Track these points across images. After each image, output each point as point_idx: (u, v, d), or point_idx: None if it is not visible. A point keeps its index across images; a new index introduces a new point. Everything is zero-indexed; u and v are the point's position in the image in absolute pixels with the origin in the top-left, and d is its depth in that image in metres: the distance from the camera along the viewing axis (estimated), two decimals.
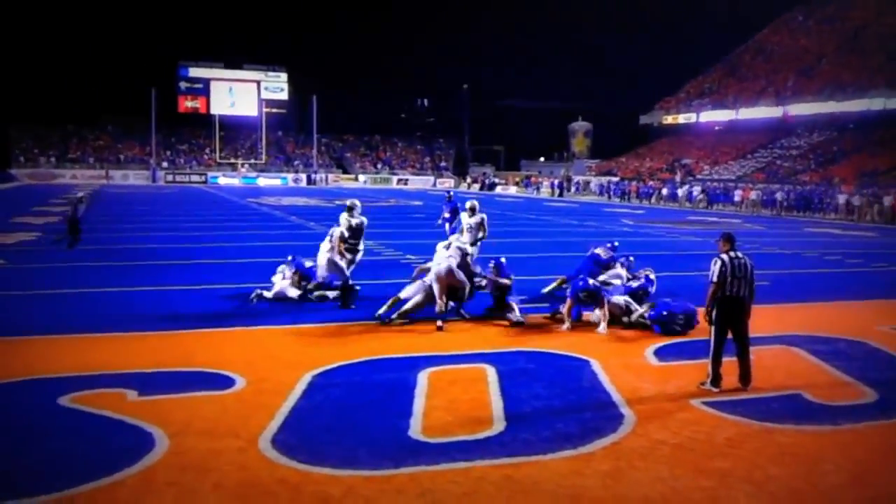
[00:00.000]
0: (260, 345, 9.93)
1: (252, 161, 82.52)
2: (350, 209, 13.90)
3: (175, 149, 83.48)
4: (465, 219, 14.39)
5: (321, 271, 12.65)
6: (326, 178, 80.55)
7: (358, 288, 12.95)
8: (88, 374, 8.22)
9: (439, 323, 10.91)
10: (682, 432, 6.92)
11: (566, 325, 11.13)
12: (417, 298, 11.32)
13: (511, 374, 8.64)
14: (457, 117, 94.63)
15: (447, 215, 17.99)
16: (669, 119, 78.54)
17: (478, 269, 12.23)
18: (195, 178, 76.16)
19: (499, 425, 6.98)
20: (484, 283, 12.00)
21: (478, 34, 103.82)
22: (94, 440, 6.42)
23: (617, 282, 12.31)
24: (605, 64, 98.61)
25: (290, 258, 13.51)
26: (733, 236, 8.60)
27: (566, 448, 6.44)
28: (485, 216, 14.40)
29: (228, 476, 5.75)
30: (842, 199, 43.76)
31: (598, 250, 13.16)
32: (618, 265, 13.05)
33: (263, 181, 76.50)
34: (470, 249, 11.44)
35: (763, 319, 11.40)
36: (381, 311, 11.37)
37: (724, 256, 8.33)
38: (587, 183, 71.78)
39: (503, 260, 12.18)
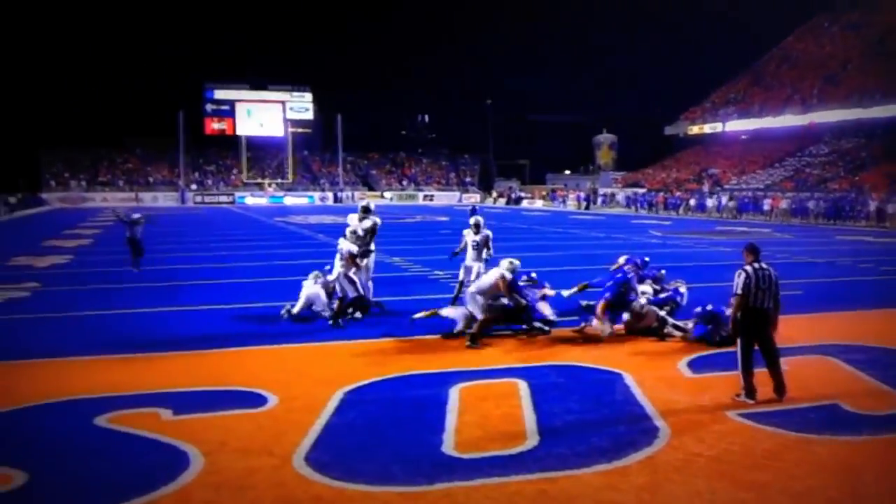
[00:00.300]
0: (291, 363, 9.97)
1: (279, 181, 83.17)
2: (365, 210, 13.88)
3: (203, 170, 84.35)
4: (470, 236, 13.96)
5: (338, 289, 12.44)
6: (353, 195, 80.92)
7: (381, 303, 13.10)
8: (123, 395, 8.30)
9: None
10: (719, 445, 6.84)
11: (606, 329, 11.10)
12: (459, 326, 11.33)
13: (543, 389, 8.60)
14: (481, 132, 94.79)
15: (488, 232, 17.91)
16: (695, 129, 78.06)
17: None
18: (223, 198, 76.88)
19: (532, 440, 6.95)
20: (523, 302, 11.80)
21: (501, 48, 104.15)
22: (131, 460, 6.47)
23: (643, 298, 12.12)
24: (629, 75, 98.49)
25: (315, 273, 13.36)
26: (757, 247, 8.54)
27: (601, 462, 6.39)
28: (490, 233, 14.17)
29: (264, 494, 5.77)
30: (872, 205, 43.22)
31: (621, 259, 12.99)
32: (646, 282, 12.85)
33: (290, 200, 77.06)
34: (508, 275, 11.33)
35: (798, 329, 11.29)
36: (418, 315, 11.78)
37: (748, 268, 8.27)
38: (613, 195, 71.49)
39: (534, 275, 12.21)
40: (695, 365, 9.72)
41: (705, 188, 62.48)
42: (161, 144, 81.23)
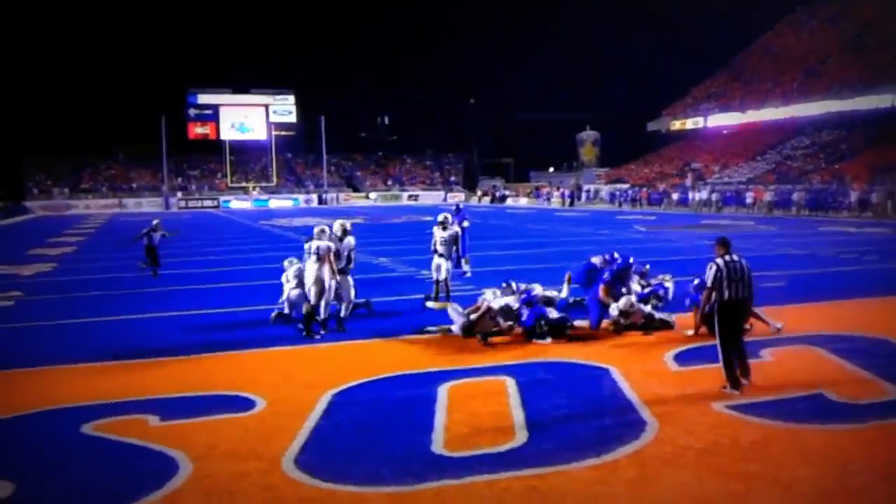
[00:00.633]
0: (278, 366, 9.94)
1: (263, 184, 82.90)
2: (344, 230, 12.48)
3: (186, 175, 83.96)
4: (438, 233, 13.98)
5: (316, 297, 11.54)
6: (337, 197, 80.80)
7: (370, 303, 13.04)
8: (109, 402, 8.25)
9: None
10: (706, 437, 6.87)
11: (614, 310, 11.25)
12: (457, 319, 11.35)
13: (531, 385, 8.61)
14: (465, 131, 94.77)
15: (458, 228, 17.92)
16: (677, 125, 78.34)
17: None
18: (208, 203, 76.50)
19: (521, 436, 6.96)
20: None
21: (484, 47, 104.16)
22: (119, 467, 6.44)
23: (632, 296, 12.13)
24: (610, 72, 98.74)
25: (290, 261, 12.74)
26: (728, 240, 8.67)
27: (590, 457, 6.41)
28: (458, 230, 14.20)
29: (253, 498, 5.76)
30: (854, 196, 43.54)
31: (595, 259, 13.09)
32: (634, 280, 12.89)
33: (275, 203, 76.78)
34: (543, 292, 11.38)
35: (782, 320, 11.35)
36: (431, 304, 12.09)
37: (720, 261, 8.39)
38: (598, 191, 71.67)
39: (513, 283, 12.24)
40: (681, 358, 9.77)
41: (688, 182, 62.75)
42: (144, 150, 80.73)
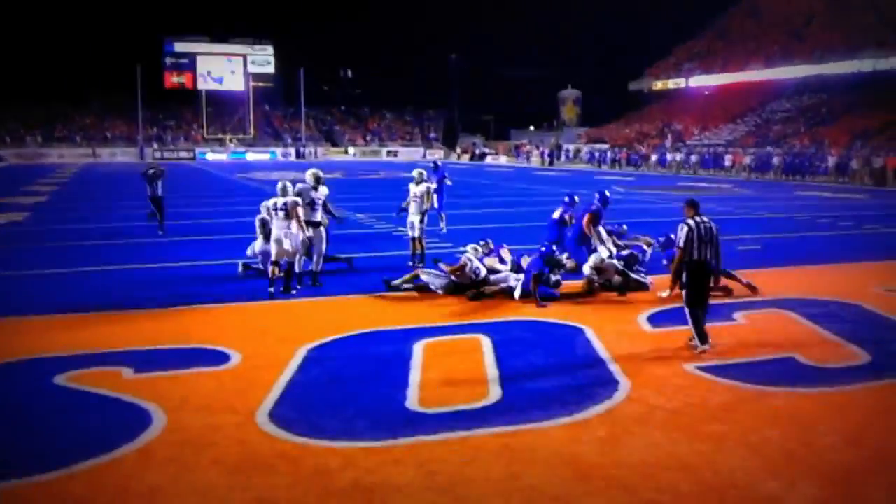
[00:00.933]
0: (254, 320, 9.92)
1: (240, 136, 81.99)
2: (318, 179, 12.20)
3: (162, 125, 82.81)
4: (412, 188, 13.96)
5: (288, 252, 11.17)
6: (316, 151, 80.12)
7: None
8: (83, 353, 8.21)
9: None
10: (677, 397, 6.96)
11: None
12: (437, 283, 11.33)
13: (506, 344, 8.66)
14: (445, 88, 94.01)
15: (434, 185, 17.82)
16: (659, 85, 78.19)
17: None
18: (183, 154, 75.58)
19: (495, 394, 7.01)
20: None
21: (466, 1, 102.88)
22: (92, 418, 6.42)
23: (605, 252, 12.13)
24: (593, 31, 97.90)
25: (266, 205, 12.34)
26: (697, 202, 8.73)
27: (562, 415, 6.47)
28: (431, 185, 14.13)
29: (227, 451, 5.77)
30: (831, 161, 43.83)
31: (555, 213, 13.18)
32: (603, 233, 12.91)
33: (252, 156, 76.04)
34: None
35: (756, 283, 11.46)
36: (396, 281, 11.49)
37: (690, 221, 8.45)
38: (578, 151, 71.62)
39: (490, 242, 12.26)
40: (655, 319, 9.85)
41: (668, 144, 62.83)
42: (119, 100, 79.42)
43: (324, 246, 12.08)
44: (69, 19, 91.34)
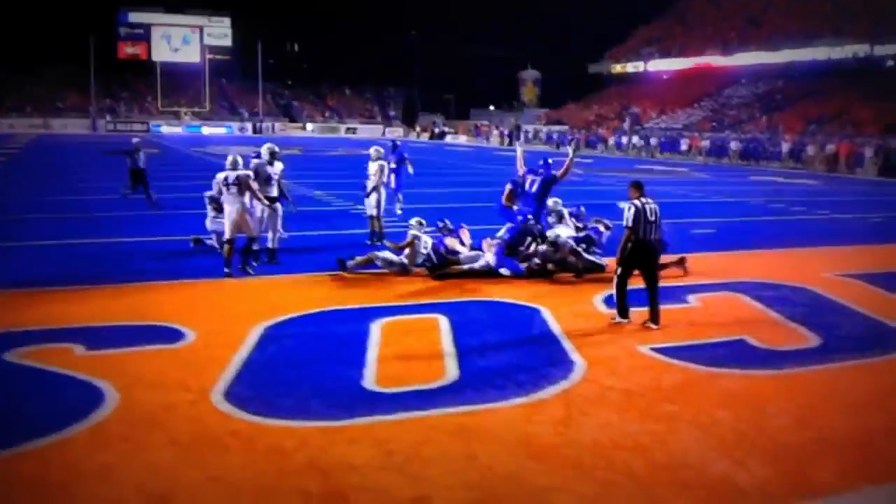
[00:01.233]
0: (210, 298, 9.82)
1: (196, 109, 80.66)
2: (272, 153, 12.00)
3: (116, 97, 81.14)
4: (370, 166, 13.95)
5: (243, 228, 10.84)
6: (273, 126, 79.20)
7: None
8: (35, 329, 8.05)
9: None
10: (631, 378, 7.05)
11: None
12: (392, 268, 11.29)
13: (463, 324, 8.69)
14: (406, 65, 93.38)
15: (393, 165, 17.71)
16: (618, 68, 78.63)
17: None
18: (137, 127, 73.95)
19: (452, 374, 7.04)
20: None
21: None
22: (44, 396, 6.32)
23: (564, 231, 12.24)
24: (554, 12, 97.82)
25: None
26: (642, 183, 9.00)
27: (519, 395, 6.52)
28: (384, 163, 14.11)
29: (181, 429, 5.71)
30: (786, 147, 44.53)
31: (533, 187, 13.26)
32: (566, 214, 13.02)
33: (208, 130, 74.92)
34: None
35: (709, 266, 11.66)
36: (350, 263, 11.29)
37: (636, 202, 8.69)
38: (538, 132, 71.79)
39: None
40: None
41: (626, 126, 63.29)
42: (72, 70, 77.51)
43: (279, 223, 11.97)
44: None
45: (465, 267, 11.34)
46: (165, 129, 73.42)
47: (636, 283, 8.87)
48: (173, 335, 7.99)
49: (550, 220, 12.36)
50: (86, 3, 78.77)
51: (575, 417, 6.13)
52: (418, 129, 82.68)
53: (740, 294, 10.40)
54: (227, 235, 10.87)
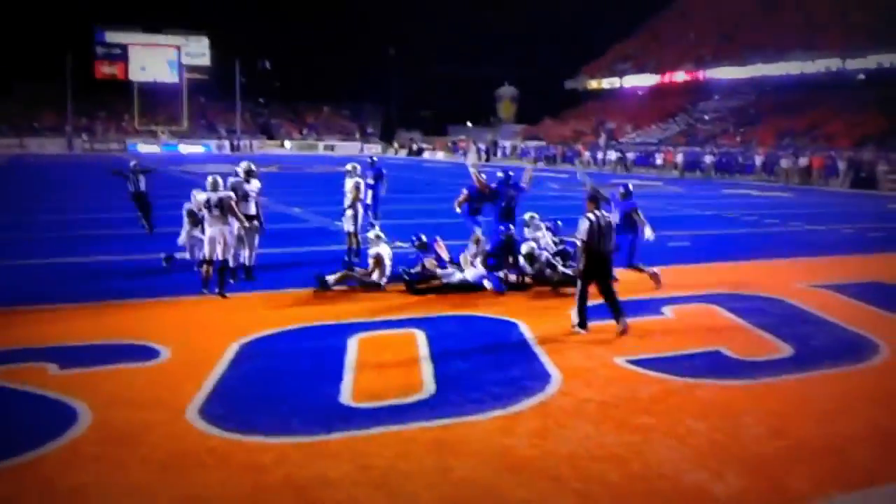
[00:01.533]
0: (185, 315, 9.77)
1: (173, 128, 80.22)
2: (249, 172, 12.06)
3: (93, 116, 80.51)
4: (347, 182, 14.00)
5: (222, 251, 10.75)
6: (251, 144, 78.95)
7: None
8: (7, 349, 7.97)
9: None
10: (607, 390, 7.09)
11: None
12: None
13: (440, 338, 8.70)
14: (384, 82, 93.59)
15: (371, 181, 17.70)
16: (594, 84, 79.19)
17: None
18: (114, 146, 73.50)
19: (429, 389, 7.04)
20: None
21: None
22: (16, 416, 6.27)
23: (541, 242, 12.32)
24: (532, 28, 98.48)
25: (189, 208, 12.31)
26: (599, 196, 9.43)
27: (496, 408, 6.53)
28: (360, 180, 14.13)
29: (156, 448, 5.67)
30: (759, 160, 45.01)
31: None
32: (543, 228, 13.11)
33: (185, 148, 74.44)
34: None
35: (684, 278, 11.76)
36: (330, 278, 11.25)
37: (591, 216, 8.99)
38: (515, 148, 72.13)
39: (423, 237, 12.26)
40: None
41: (601, 142, 63.73)
42: (48, 89, 76.85)
43: (257, 241, 11.96)
44: None
45: (444, 281, 11.37)
46: (142, 148, 72.86)
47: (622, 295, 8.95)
48: (148, 353, 7.94)
49: (527, 233, 12.45)
50: (62, 22, 78.37)
51: (552, 430, 6.15)
52: (396, 145, 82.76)
53: (715, 305, 10.49)
54: (206, 256, 10.84)
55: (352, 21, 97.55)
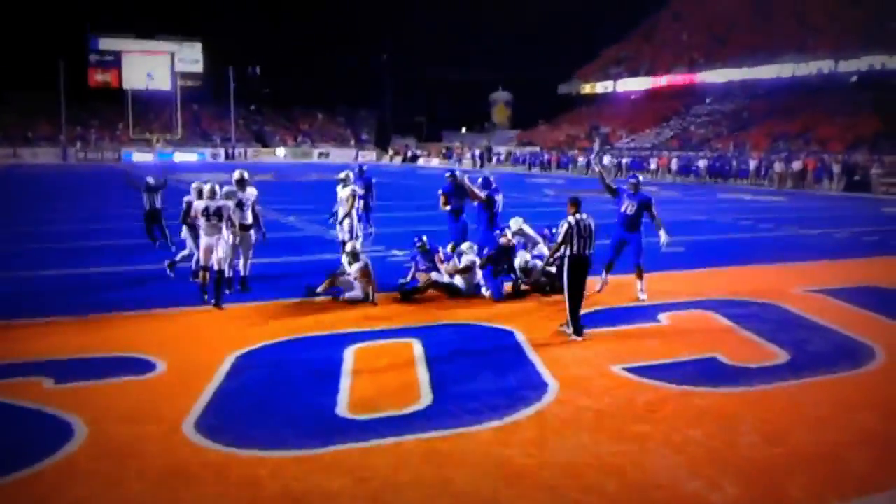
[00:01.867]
0: (180, 327, 9.74)
1: (168, 136, 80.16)
2: (242, 182, 11.85)
3: (87, 125, 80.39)
4: (339, 191, 13.99)
5: (219, 261, 10.67)
6: (245, 152, 78.96)
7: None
8: (2, 364, 7.95)
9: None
10: (604, 398, 7.10)
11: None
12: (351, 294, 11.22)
13: (437, 348, 8.69)
14: (378, 89, 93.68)
15: (361, 190, 17.66)
16: (587, 88, 79.29)
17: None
18: (108, 155, 73.33)
19: (426, 399, 7.04)
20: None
21: (398, 1, 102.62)
22: (12, 431, 6.24)
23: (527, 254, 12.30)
24: (526, 33, 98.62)
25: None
26: (579, 199, 9.44)
27: (492, 418, 6.53)
28: (355, 188, 14.14)
29: (152, 462, 5.66)
30: (753, 164, 45.11)
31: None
32: (532, 234, 13.10)
33: (180, 157, 74.33)
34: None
35: (679, 284, 11.78)
36: (319, 288, 11.23)
37: (571, 219, 9.13)
38: (510, 153, 72.21)
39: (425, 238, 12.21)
40: (582, 321, 9.97)
41: (595, 146, 63.82)
42: (41, 98, 76.76)
43: (251, 251, 11.94)
44: None
45: (434, 278, 11.42)
46: (137, 157, 72.73)
47: (607, 303, 8.94)
48: (144, 366, 7.93)
49: (518, 239, 12.41)
50: (54, 29, 78.29)
51: (549, 439, 6.15)
52: (391, 152, 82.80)
53: (710, 312, 10.51)
54: (202, 263, 10.87)
55: (346, 27, 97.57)
